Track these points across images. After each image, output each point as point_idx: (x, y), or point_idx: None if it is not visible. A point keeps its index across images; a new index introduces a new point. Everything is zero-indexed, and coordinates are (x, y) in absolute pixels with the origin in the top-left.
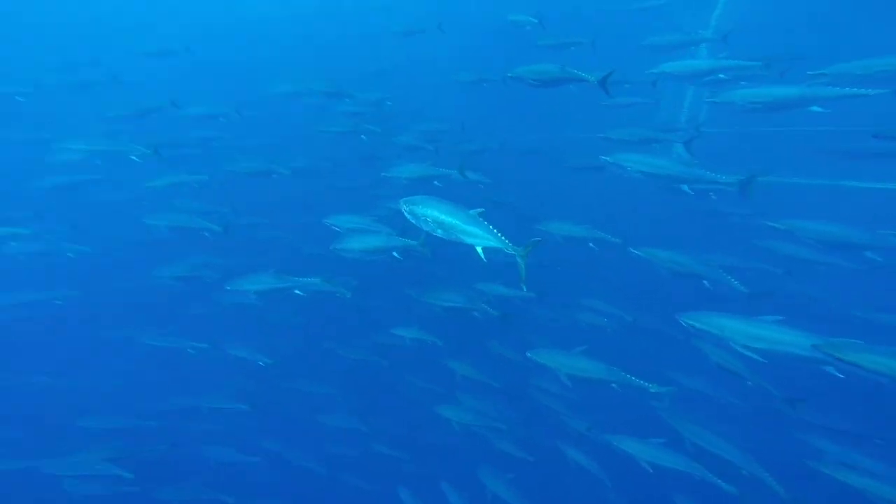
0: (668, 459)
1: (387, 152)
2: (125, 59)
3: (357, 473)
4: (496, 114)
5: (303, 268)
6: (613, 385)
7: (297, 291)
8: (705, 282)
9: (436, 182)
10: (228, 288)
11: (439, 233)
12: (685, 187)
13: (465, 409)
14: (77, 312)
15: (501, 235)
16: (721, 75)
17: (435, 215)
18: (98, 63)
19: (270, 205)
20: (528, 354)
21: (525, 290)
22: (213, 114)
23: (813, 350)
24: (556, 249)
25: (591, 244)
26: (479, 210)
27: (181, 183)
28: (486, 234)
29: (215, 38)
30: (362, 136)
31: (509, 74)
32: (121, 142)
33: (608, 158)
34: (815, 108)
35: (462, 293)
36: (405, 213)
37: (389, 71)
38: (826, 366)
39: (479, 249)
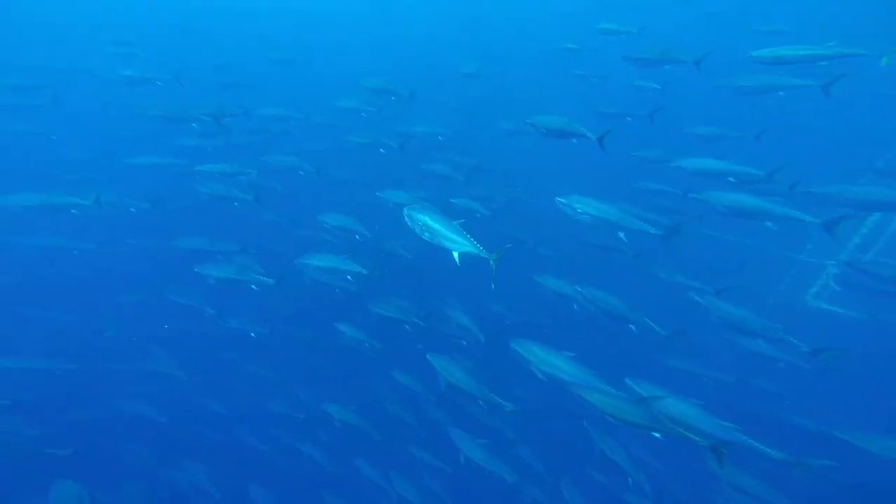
0: (483, 459)
1: (412, 176)
2: (258, 65)
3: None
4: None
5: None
6: (480, 402)
7: (253, 287)
8: (631, 326)
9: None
10: (196, 270)
11: (426, 236)
12: (622, 235)
13: (349, 410)
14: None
15: (477, 244)
16: (731, 179)
17: (425, 220)
18: (231, 68)
19: (298, 206)
20: (427, 356)
21: (494, 286)
22: (285, 115)
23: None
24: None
25: (574, 306)
26: (461, 221)
27: (230, 173)
28: (463, 241)
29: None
30: (381, 150)
31: (527, 121)
32: (185, 108)
33: (562, 199)
34: (769, 224)
35: (398, 306)
36: (405, 216)
37: (465, 109)
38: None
39: (455, 255)
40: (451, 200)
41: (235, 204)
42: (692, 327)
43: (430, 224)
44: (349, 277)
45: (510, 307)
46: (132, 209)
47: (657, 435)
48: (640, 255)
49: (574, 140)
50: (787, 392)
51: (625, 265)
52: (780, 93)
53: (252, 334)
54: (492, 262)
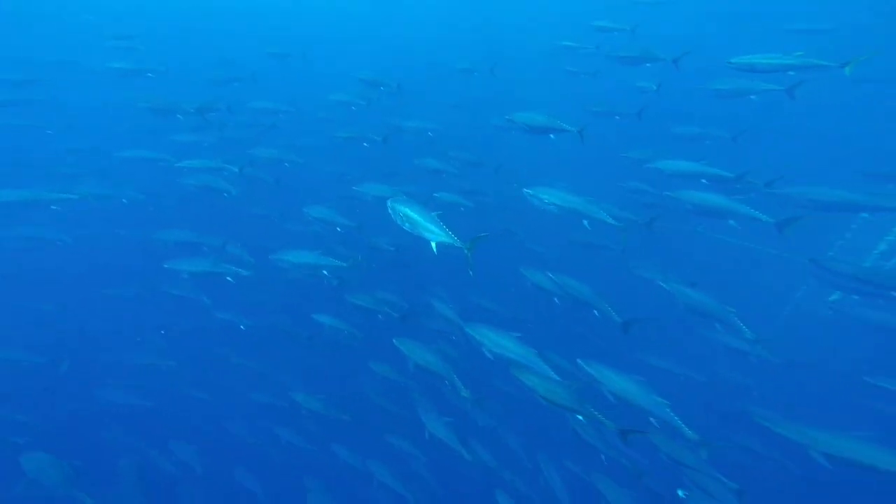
0: (445, 435)
1: (405, 170)
2: (259, 62)
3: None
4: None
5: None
6: (446, 382)
7: (228, 278)
8: (595, 311)
9: None
10: (166, 266)
11: (407, 227)
12: (585, 223)
13: (316, 399)
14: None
15: (453, 234)
16: (703, 181)
17: (405, 212)
18: (230, 63)
19: (289, 200)
20: (394, 341)
21: (472, 274)
22: (275, 109)
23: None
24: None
25: (555, 299)
26: (438, 213)
27: (214, 168)
28: (440, 232)
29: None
30: (364, 144)
31: (507, 117)
32: (171, 101)
33: (529, 191)
34: (731, 223)
35: (373, 297)
36: (388, 208)
37: (462, 105)
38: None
39: (433, 244)
40: (435, 194)
41: (224, 195)
42: (671, 324)
43: (410, 215)
44: (325, 272)
45: (498, 301)
46: (124, 200)
47: (580, 417)
48: (626, 253)
49: (551, 136)
50: (764, 388)
51: (611, 262)
52: (752, 97)
53: (241, 327)
54: (465, 250)
